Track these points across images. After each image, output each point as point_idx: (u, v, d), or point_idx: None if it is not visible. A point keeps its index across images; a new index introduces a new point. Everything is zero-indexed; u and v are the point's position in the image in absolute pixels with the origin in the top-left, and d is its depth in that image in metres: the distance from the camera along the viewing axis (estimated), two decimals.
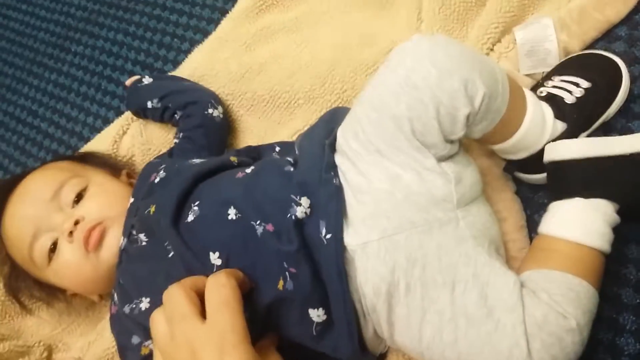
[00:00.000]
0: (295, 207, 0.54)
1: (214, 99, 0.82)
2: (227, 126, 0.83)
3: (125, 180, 0.78)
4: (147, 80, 0.85)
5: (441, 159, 0.54)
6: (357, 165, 0.56)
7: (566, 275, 0.52)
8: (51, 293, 0.74)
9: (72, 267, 0.67)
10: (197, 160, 0.70)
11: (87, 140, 0.98)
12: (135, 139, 0.87)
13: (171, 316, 0.48)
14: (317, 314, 0.53)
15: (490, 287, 0.51)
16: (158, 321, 0.49)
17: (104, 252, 0.66)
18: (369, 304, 0.53)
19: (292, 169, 0.60)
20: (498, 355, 0.49)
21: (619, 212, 0.55)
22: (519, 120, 0.57)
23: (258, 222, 0.55)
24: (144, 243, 0.64)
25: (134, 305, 0.61)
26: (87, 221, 0.66)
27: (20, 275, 0.73)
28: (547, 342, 0.48)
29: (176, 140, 0.79)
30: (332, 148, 0.59)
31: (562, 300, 0.51)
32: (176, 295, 0.49)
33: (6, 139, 1.12)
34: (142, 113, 0.85)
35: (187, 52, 0.97)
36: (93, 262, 0.66)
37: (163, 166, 0.69)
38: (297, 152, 0.65)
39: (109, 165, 0.81)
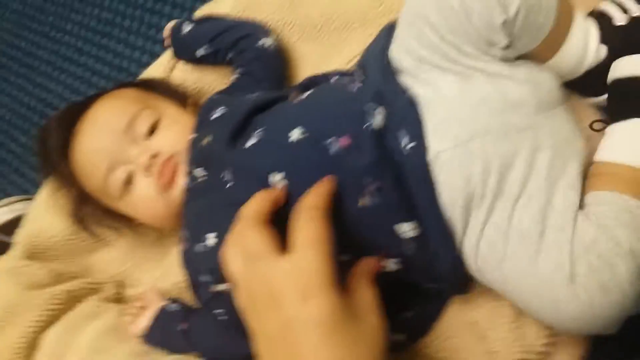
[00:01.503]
0: (371, 117, 0.51)
1: (263, 29, 0.79)
2: (282, 54, 0.80)
3: (192, 111, 0.75)
4: (186, 27, 0.81)
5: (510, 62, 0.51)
6: (420, 78, 0.53)
7: (620, 196, 0.49)
8: (120, 221, 0.75)
9: (145, 200, 0.67)
10: (256, 94, 0.68)
11: (135, 76, 0.97)
12: (187, 74, 0.85)
13: (246, 254, 0.46)
14: (408, 228, 0.51)
15: (551, 205, 0.48)
16: (231, 260, 0.47)
17: (177, 188, 0.66)
18: (447, 216, 0.50)
19: (360, 85, 0.57)
20: (540, 279, 0.47)
21: None
22: (558, 43, 0.53)
23: (329, 139, 0.52)
24: (203, 177, 0.63)
25: (201, 243, 0.60)
26: (162, 155, 0.66)
27: (89, 203, 0.73)
28: (595, 266, 0.45)
29: (234, 77, 0.76)
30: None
31: (614, 223, 0.47)
32: (247, 232, 0.46)
33: (54, 77, 1.12)
34: (194, 61, 0.83)
35: None
36: (165, 197, 0.66)
37: (222, 102, 0.68)
38: (360, 70, 0.61)
39: (176, 94, 0.78)
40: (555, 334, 0.54)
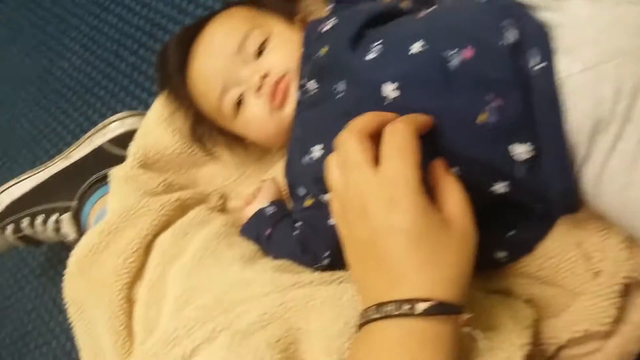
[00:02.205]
0: (504, 32, 0.50)
1: None
2: None
3: (301, 26, 0.75)
4: None
5: None
6: (549, 3, 0.51)
7: None
8: (233, 140, 0.78)
9: (258, 120, 0.70)
10: (367, 5, 0.67)
11: None
12: None
13: (344, 164, 0.48)
14: (523, 150, 0.49)
15: None
16: (331, 169, 0.49)
17: (288, 106, 0.68)
18: (571, 142, 0.49)
19: (488, 2, 0.54)
20: None
21: None
22: None
23: (453, 52, 0.51)
24: (315, 90, 0.64)
25: (308, 154, 0.62)
26: (272, 75, 0.67)
27: (206, 123, 0.77)
28: None
29: (332, 5, 0.76)
30: None
31: None
32: (348, 141, 0.47)
33: None
34: None
35: None
36: (277, 116, 0.69)
37: (331, 15, 0.68)
38: None
39: (284, 9, 0.78)
40: None
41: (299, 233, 0.67)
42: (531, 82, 0.48)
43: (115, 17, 1.24)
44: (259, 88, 0.67)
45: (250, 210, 0.75)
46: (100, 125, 1.01)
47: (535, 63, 0.48)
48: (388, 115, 0.50)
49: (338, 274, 0.62)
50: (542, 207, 0.56)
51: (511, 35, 0.49)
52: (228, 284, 0.64)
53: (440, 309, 0.42)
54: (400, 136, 0.46)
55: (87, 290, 0.74)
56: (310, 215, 0.66)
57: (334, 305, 0.58)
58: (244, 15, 0.74)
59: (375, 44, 0.57)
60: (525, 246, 0.60)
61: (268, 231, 0.71)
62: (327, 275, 0.63)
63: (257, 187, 0.78)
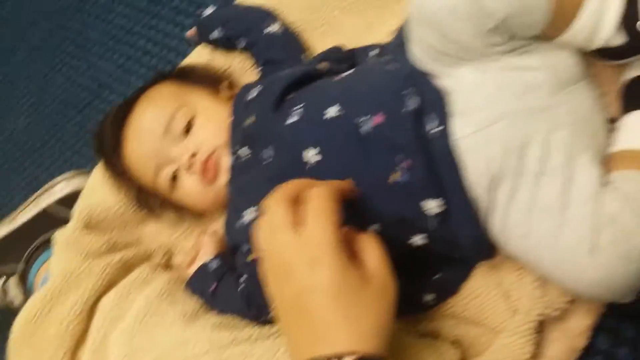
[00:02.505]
0: (408, 98, 0.54)
1: (268, 17, 0.82)
2: (292, 35, 0.83)
3: (227, 95, 0.80)
4: (208, 10, 0.86)
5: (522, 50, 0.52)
6: (442, 71, 0.55)
7: None
8: (175, 207, 0.81)
9: (193, 194, 0.75)
10: (286, 71, 0.71)
11: (184, 55, 0.98)
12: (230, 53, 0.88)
13: (269, 227, 0.49)
14: (434, 205, 0.53)
15: (573, 181, 0.50)
16: (258, 232, 0.51)
17: (220, 179, 0.72)
18: (472, 195, 0.53)
19: (398, 66, 0.59)
20: (564, 248, 0.48)
21: None
22: (567, 20, 0.51)
23: (364, 118, 0.55)
24: (247, 156, 0.67)
25: (241, 218, 0.65)
26: (201, 153, 0.71)
27: (148, 194, 0.80)
28: (617, 237, 0.47)
29: (260, 69, 0.81)
30: None
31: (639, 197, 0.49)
32: (273, 206, 0.49)
33: (107, 57, 1.17)
34: (212, 44, 0.87)
35: None
36: (211, 189, 0.73)
37: (257, 83, 0.72)
38: (398, 48, 0.62)
39: (209, 79, 0.82)
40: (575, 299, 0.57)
41: (244, 287, 0.68)
42: (432, 144, 0.53)
43: (62, 77, 1.25)
44: (190, 166, 0.71)
45: (195, 267, 0.76)
46: (46, 186, 1.01)
47: (433, 127, 0.53)
48: (311, 181, 0.52)
49: (276, 327, 0.63)
50: (462, 255, 0.60)
51: (413, 103, 0.54)
52: (169, 345, 0.65)
53: None
54: (321, 200, 0.48)
55: (31, 357, 0.73)
56: (254, 269, 0.67)
57: (271, 358, 0.59)
58: (170, 93, 0.77)
59: (295, 108, 0.61)
60: (451, 288, 0.63)
61: (213, 286, 0.71)
62: (266, 329, 0.64)
63: (198, 240, 0.80)
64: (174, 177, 0.74)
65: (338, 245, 0.46)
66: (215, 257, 0.76)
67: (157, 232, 0.87)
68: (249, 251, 0.68)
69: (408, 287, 0.56)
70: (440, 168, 0.53)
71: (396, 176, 0.53)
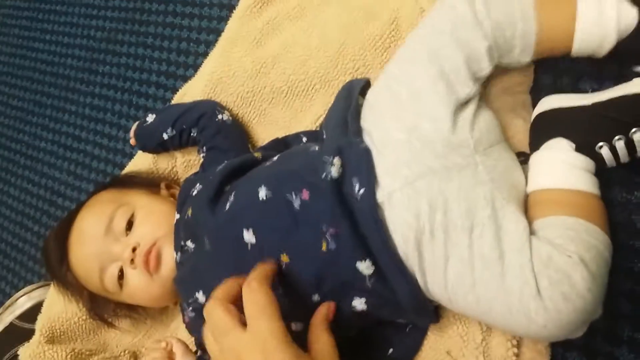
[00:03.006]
0: (329, 167, 0.57)
1: (218, 106, 0.86)
2: (240, 126, 0.87)
3: (166, 193, 0.84)
4: (150, 117, 0.88)
5: (459, 106, 0.57)
6: (378, 122, 0.59)
7: (559, 217, 0.54)
8: (131, 309, 0.82)
9: (140, 288, 0.75)
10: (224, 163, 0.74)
11: (131, 156, 1.04)
12: (173, 151, 0.92)
13: (215, 332, 0.52)
14: (365, 266, 0.55)
15: (503, 230, 0.53)
16: (206, 337, 0.54)
17: (164, 269, 0.74)
18: (401, 253, 0.55)
19: (320, 144, 0.63)
20: (510, 296, 0.51)
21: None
22: (568, 28, 0.55)
23: (291, 195, 0.58)
24: (192, 249, 0.70)
25: (194, 302, 0.67)
26: (142, 246, 0.73)
27: (100, 301, 0.81)
28: (555, 279, 0.49)
29: (202, 155, 0.83)
30: (357, 116, 0.62)
31: (562, 241, 0.52)
32: (214, 311, 0.52)
33: (57, 166, 1.20)
34: (161, 147, 0.89)
35: (205, 54, 1.00)
36: (157, 280, 0.74)
37: (198, 180, 0.75)
38: (323, 132, 0.68)
39: (148, 182, 0.87)
40: (519, 353, 0.59)
41: None
42: (355, 207, 0.56)
43: (16, 189, 1.28)
44: (132, 260, 0.72)
45: None
46: (8, 302, 1.03)
47: (356, 190, 0.56)
48: (239, 278, 0.55)
49: None
50: (407, 321, 0.62)
51: (333, 171, 0.57)
52: None
53: None
54: (257, 294, 0.52)
55: None
56: None
57: None
58: (108, 198, 0.80)
59: (231, 196, 0.64)
60: None
61: None
62: None
63: (160, 348, 0.77)
64: (120, 276, 0.75)
65: (284, 335, 0.49)
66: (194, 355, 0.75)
67: (121, 336, 0.89)
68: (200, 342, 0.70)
69: None
70: (365, 230, 0.55)
71: (325, 245, 0.56)
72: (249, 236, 0.60)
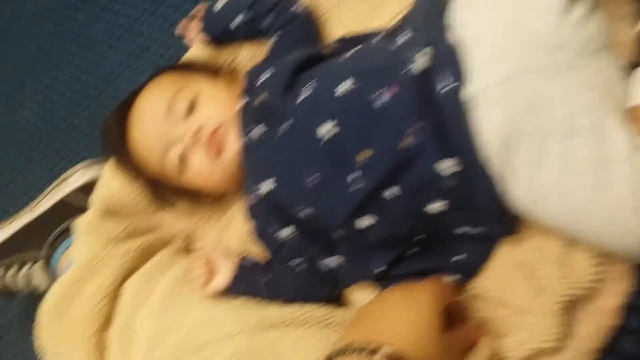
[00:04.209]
0: (416, 59, 0.54)
1: None
2: (313, 18, 0.83)
3: (228, 79, 0.80)
4: (219, 3, 0.84)
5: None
6: (472, 13, 0.55)
7: None
8: (189, 193, 0.81)
9: (202, 173, 0.73)
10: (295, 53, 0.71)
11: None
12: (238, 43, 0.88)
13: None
14: (447, 166, 0.53)
15: (607, 139, 0.49)
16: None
17: (227, 153, 0.72)
18: (488, 153, 0.52)
19: (407, 37, 0.59)
20: (609, 207, 0.48)
21: None
22: None
23: (378, 89, 0.56)
24: (260, 135, 0.68)
25: (260, 189, 0.66)
26: (205, 128, 0.71)
27: (159, 184, 0.80)
28: None
29: (272, 40, 0.80)
30: (447, 7, 0.58)
31: None
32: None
33: (115, 48, 1.18)
34: (228, 35, 0.84)
35: None
36: (219, 165, 0.72)
37: (268, 65, 0.72)
38: (405, 27, 0.64)
39: (209, 68, 0.83)
40: (601, 271, 0.57)
41: (304, 268, 0.69)
42: (442, 103, 0.53)
43: (72, 68, 1.27)
44: (194, 142, 0.71)
45: (222, 279, 0.72)
46: (63, 176, 1.03)
47: (448, 83, 0.53)
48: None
49: (304, 309, 0.66)
50: (484, 230, 0.60)
51: (423, 63, 0.54)
52: (196, 324, 0.67)
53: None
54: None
55: (58, 339, 0.76)
56: (295, 246, 0.69)
57: (302, 348, 0.61)
58: (170, 80, 0.78)
59: (307, 85, 0.62)
60: (473, 268, 0.63)
61: (264, 279, 0.71)
62: (296, 311, 0.66)
63: (204, 257, 0.75)
64: (182, 159, 0.73)
65: None
66: (243, 257, 0.75)
67: (175, 219, 0.88)
68: (278, 226, 0.69)
69: (431, 268, 0.61)
70: (450, 127, 0.53)
71: (407, 141, 0.54)
72: (324, 130, 0.58)
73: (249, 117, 0.70)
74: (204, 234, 0.87)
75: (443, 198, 0.56)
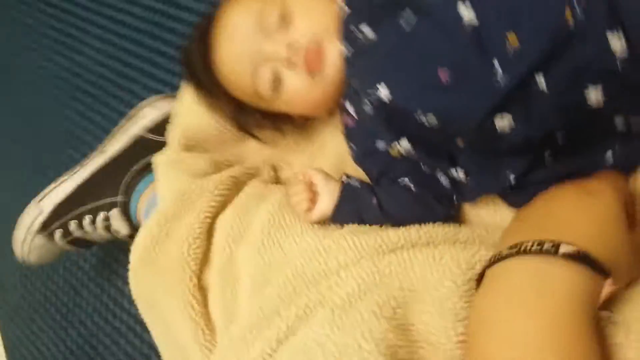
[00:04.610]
0: None
1: None
2: None
3: None
4: None
5: None
6: None
7: None
8: (278, 119, 0.73)
9: (300, 93, 0.64)
10: None
11: None
12: None
13: None
14: (617, 38, 0.45)
15: None
16: None
17: (329, 68, 0.62)
18: None
19: None
20: None
21: None
22: None
23: None
24: (370, 36, 0.58)
25: (373, 95, 0.57)
26: (301, 42, 0.61)
27: (247, 111, 0.72)
28: None
29: None
30: None
31: None
32: None
33: None
34: None
35: None
36: (320, 82, 0.63)
37: None
38: None
39: None
40: None
41: (414, 190, 0.62)
42: None
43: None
44: (289, 59, 0.61)
45: (326, 203, 0.65)
46: (131, 113, 0.98)
47: None
48: None
49: (425, 228, 0.59)
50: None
51: None
52: (306, 255, 0.60)
53: (584, 258, 0.40)
54: None
55: (154, 283, 0.71)
56: (405, 164, 0.62)
57: (435, 267, 0.54)
58: None
59: None
60: (629, 164, 0.54)
61: (374, 200, 0.63)
62: (417, 231, 0.59)
63: (302, 181, 0.68)
64: (276, 78, 0.64)
65: None
66: (347, 177, 0.67)
67: (258, 148, 0.81)
68: (388, 145, 0.61)
69: (576, 171, 0.54)
70: None
71: (570, 14, 0.45)
72: (468, 15, 0.49)
73: (351, 19, 0.61)
74: (293, 160, 0.80)
75: (606, 81, 0.48)
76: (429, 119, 0.54)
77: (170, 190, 0.73)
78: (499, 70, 0.48)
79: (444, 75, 0.51)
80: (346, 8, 0.62)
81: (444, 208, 0.63)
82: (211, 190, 0.71)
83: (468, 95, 0.51)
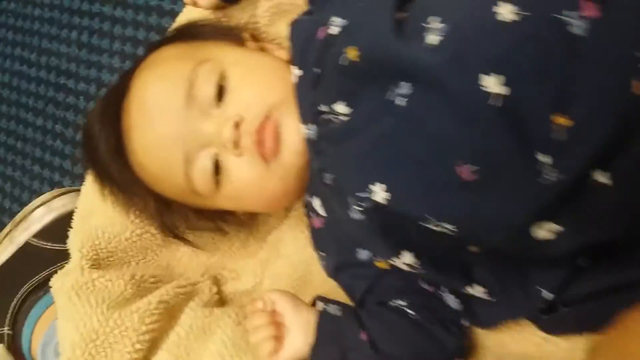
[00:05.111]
0: None
1: None
2: None
3: (255, 47, 0.58)
4: None
5: None
6: None
7: None
8: (218, 217, 0.61)
9: (252, 185, 0.52)
10: None
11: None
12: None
13: None
14: None
15: None
16: None
17: (287, 152, 0.51)
18: None
19: None
20: None
21: None
22: None
23: (563, 9, 0.37)
24: (346, 115, 0.47)
25: (362, 200, 0.45)
26: (250, 120, 0.50)
27: (175, 210, 0.60)
28: None
29: None
30: None
31: None
32: None
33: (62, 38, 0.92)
34: None
35: None
36: (277, 170, 0.51)
37: (328, 15, 0.49)
38: None
39: (225, 32, 0.60)
40: None
41: (417, 315, 0.52)
42: None
43: (7, 74, 1.04)
44: (237, 142, 0.49)
45: (297, 341, 0.52)
46: (19, 215, 0.80)
47: None
48: None
49: None
50: None
51: None
52: None
53: None
54: None
55: None
56: (399, 279, 0.52)
57: None
58: (179, 53, 0.56)
59: (431, 21, 0.40)
60: None
61: (362, 335, 0.51)
62: None
63: (260, 311, 0.55)
64: (218, 167, 0.52)
65: None
66: (326, 301, 0.55)
67: (193, 256, 0.67)
68: (375, 257, 0.53)
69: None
70: None
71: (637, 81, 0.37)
72: (493, 85, 0.37)
73: (316, 95, 0.49)
74: (239, 269, 0.68)
75: None
76: (444, 228, 0.42)
77: (77, 331, 0.56)
78: (547, 163, 0.38)
79: (464, 171, 0.39)
80: (302, 73, 0.50)
81: (455, 338, 0.52)
82: (136, 328, 0.56)
83: (502, 197, 0.40)
